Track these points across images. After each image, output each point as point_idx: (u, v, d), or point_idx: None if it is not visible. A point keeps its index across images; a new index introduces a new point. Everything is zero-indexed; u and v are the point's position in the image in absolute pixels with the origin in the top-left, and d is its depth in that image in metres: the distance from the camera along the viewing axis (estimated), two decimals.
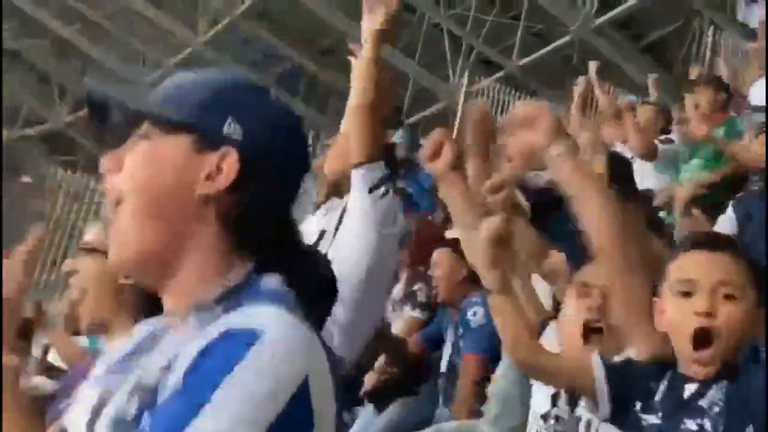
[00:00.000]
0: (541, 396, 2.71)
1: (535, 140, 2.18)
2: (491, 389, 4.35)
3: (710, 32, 10.31)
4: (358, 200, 2.97)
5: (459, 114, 11.41)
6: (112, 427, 1.25)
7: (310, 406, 1.20)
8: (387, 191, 2.96)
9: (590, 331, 2.47)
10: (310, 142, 13.79)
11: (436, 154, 2.58)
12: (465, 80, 13.08)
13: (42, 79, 20.00)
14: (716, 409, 2.03)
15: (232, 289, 1.28)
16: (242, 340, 1.18)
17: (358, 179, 2.96)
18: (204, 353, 1.18)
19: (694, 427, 2.03)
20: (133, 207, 1.30)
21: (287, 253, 1.36)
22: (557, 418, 2.59)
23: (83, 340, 5.91)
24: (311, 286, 1.35)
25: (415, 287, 5.68)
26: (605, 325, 2.46)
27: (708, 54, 9.94)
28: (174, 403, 1.17)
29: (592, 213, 2.18)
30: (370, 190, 2.94)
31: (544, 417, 2.62)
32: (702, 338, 2.03)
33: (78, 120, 19.40)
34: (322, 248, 2.92)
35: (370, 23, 3.11)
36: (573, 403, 2.56)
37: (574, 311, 2.53)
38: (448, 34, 14.78)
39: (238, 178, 1.30)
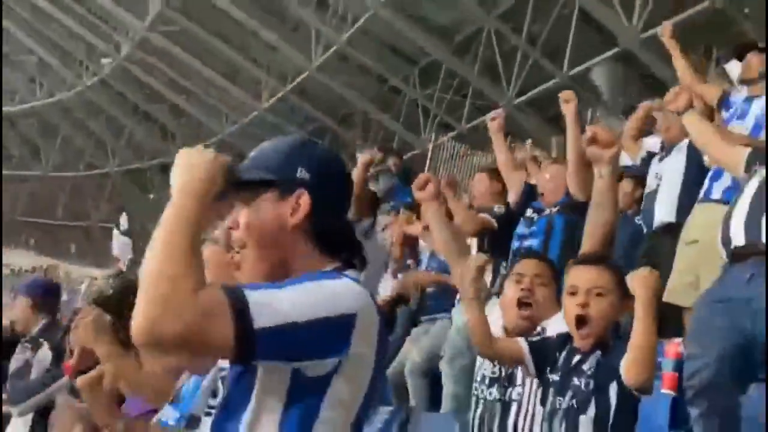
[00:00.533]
0: None
1: (596, 153, 2.15)
2: (448, 336, 4.16)
3: (588, 113, 10.23)
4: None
5: (429, 157, 11.28)
6: None
7: (353, 332, 1.15)
8: (374, 232, 2.93)
9: (522, 305, 2.37)
10: None
11: (422, 187, 2.53)
12: (432, 136, 13.17)
13: (162, 129, 20.00)
14: (590, 371, 1.97)
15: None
16: (317, 274, 1.19)
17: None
18: None
19: (578, 383, 1.98)
20: (252, 248, 1.27)
21: (357, 252, 1.31)
22: None
23: None
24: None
25: (408, 262, 5.51)
26: (532, 300, 2.36)
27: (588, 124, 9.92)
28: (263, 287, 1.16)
29: (606, 212, 2.19)
30: (364, 235, 2.90)
31: None
32: (580, 321, 2.01)
33: None
34: None
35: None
36: None
37: (512, 291, 2.39)
38: (421, 107, 14.72)
39: (312, 207, 1.25)
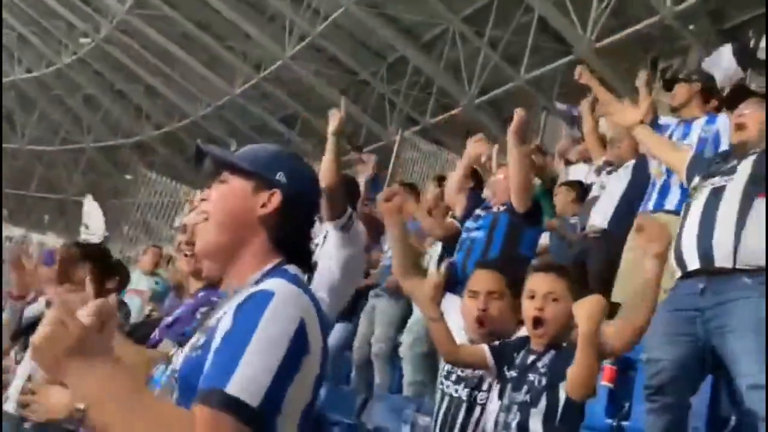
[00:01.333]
0: None
1: (643, 245, 1.98)
2: (408, 326, 4.13)
3: (543, 115, 10.44)
4: (332, 234, 2.89)
5: (396, 148, 11.10)
6: (190, 350, 1.24)
7: (307, 338, 1.17)
8: (351, 223, 2.84)
9: (480, 323, 2.31)
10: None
11: (389, 199, 2.47)
12: (399, 130, 13.16)
13: (137, 109, 19.65)
14: (544, 369, 2.01)
15: (266, 272, 1.27)
16: (261, 300, 1.16)
17: (331, 228, 2.87)
18: (238, 310, 1.17)
19: (532, 379, 2.02)
20: (214, 221, 1.30)
21: (305, 253, 1.34)
22: None
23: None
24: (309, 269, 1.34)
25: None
26: (488, 317, 2.29)
27: (542, 129, 10.06)
28: (223, 353, 1.13)
29: (640, 316, 2.00)
30: (342, 228, 2.82)
31: None
32: (536, 322, 2.05)
33: (159, 135, 19.21)
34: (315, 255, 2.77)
35: (330, 127, 2.91)
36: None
37: (468, 307, 2.35)
38: (389, 100, 14.70)
39: (281, 207, 1.29)
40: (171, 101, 18.29)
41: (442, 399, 2.34)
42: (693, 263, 2.39)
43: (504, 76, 12.34)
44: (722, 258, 2.31)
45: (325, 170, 2.82)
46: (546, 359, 2.02)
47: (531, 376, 2.02)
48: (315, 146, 16.41)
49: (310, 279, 1.37)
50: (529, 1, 11.11)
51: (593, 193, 4.11)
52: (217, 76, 16.60)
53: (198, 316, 2.03)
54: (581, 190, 4.61)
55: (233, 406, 1.08)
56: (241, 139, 17.87)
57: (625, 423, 2.90)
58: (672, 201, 3.37)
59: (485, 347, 2.17)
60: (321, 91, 15.13)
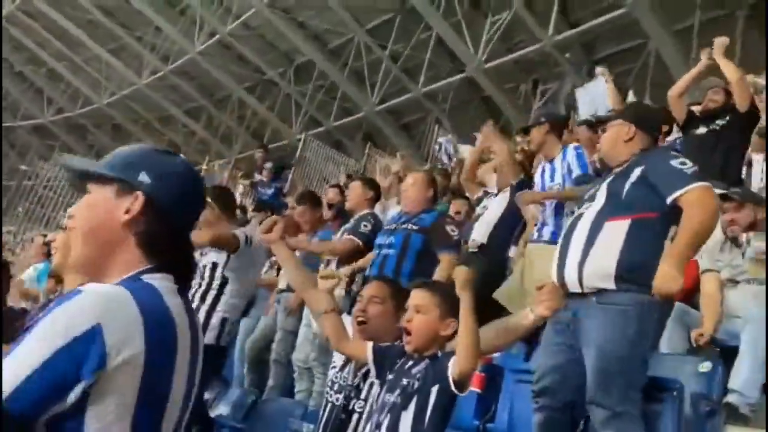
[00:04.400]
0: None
1: (539, 300, 2.20)
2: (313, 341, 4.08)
3: (436, 127, 11.22)
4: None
5: (299, 148, 11.45)
6: None
7: (104, 343, 1.05)
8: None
9: (359, 323, 2.44)
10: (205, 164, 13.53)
11: (269, 230, 2.47)
12: (301, 129, 13.67)
13: (36, 92, 19.19)
14: (418, 375, 2.12)
15: (122, 281, 1.17)
16: (64, 298, 1.09)
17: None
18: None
19: (405, 383, 2.12)
20: (78, 233, 1.23)
21: (181, 257, 1.24)
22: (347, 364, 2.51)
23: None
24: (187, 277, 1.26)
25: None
26: (365, 318, 2.44)
27: (435, 137, 10.74)
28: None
29: (506, 339, 2.27)
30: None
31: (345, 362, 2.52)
32: (405, 332, 2.19)
33: (60, 120, 18.83)
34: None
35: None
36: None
37: (354, 312, 2.51)
38: (294, 101, 15.09)
39: (145, 210, 1.20)
40: (74, 86, 18.00)
41: (325, 407, 2.47)
42: (565, 288, 2.51)
43: (403, 87, 13.17)
44: (571, 284, 2.47)
45: None
46: (422, 365, 2.13)
47: (405, 380, 2.12)
48: (220, 141, 16.79)
49: (186, 284, 1.25)
50: (429, 19, 12.02)
51: (478, 210, 4.52)
52: (123, 64, 16.57)
53: None
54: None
55: None
56: (147, 128, 17.90)
57: (490, 425, 3.10)
58: (547, 232, 3.71)
59: (369, 344, 2.33)
60: (228, 86, 15.43)
